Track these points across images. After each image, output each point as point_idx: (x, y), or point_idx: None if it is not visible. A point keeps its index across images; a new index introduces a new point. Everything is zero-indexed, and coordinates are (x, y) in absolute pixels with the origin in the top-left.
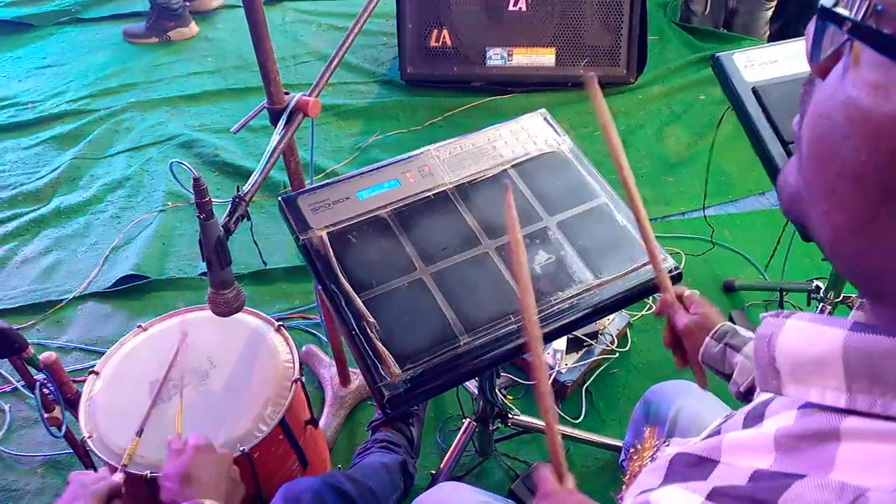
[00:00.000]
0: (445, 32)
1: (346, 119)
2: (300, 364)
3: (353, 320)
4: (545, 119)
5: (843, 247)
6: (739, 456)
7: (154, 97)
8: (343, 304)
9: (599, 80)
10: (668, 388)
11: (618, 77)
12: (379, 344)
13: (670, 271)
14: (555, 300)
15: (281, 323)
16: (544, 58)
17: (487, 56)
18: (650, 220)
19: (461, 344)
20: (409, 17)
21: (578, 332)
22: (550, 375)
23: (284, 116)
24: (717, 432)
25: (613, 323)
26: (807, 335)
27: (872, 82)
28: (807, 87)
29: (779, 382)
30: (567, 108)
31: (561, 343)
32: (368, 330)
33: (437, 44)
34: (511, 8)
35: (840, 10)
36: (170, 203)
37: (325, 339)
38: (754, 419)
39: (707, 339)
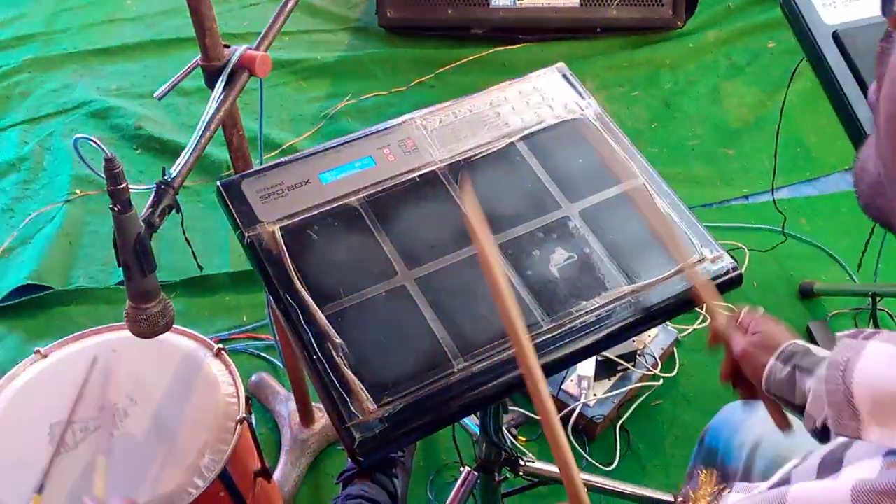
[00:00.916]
0: None
1: (309, 79)
2: (247, 399)
3: (313, 341)
4: (564, 76)
5: None
6: None
7: (58, 52)
8: (300, 321)
9: (640, 23)
10: (735, 417)
11: (662, 20)
12: (347, 371)
13: (725, 273)
14: (577, 312)
15: (222, 346)
16: None
17: None
18: (704, 205)
19: (455, 370)
20: None
21: (610, 354)
22: (575, 409)
23: (223, 76)
24: (785, 481)
25: (656, 341)
26: (894, 361)
27: None
28: (884, 45)
29: (858, 424)
30: (595, 62)
31: (588, 368)
32: (334, 353)
33: None
34: None
35: None
36: (78, 191)
37: (281, 365)
38: (830, 467)
39: (771, 360)
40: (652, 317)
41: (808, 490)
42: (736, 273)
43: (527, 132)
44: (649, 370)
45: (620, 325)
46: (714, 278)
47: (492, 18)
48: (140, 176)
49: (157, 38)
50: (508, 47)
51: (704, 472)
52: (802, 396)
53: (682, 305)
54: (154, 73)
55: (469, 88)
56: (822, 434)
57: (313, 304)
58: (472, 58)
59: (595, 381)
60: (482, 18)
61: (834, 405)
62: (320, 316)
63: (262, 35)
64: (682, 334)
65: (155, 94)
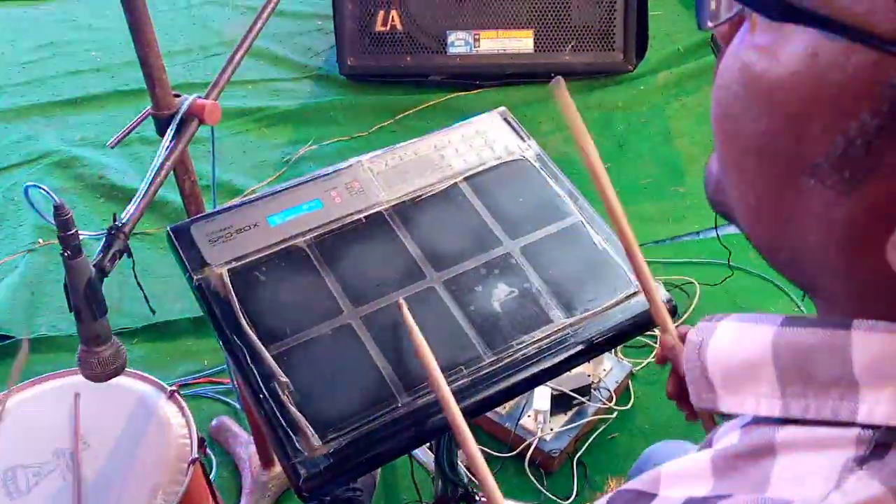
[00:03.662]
0: (395, 14)
1: (271, 126)
2: (202, 440)
3: (259, 381)
4: (506, 120)
5: (761, 234)
6: (677, 485)
7: (21, 103)
8: (247, 361)
9: (592, 68)
10: (668, 451)
11: (613, 64)
12: (293, 409)
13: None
14: (518, 345)
15: (174, 389)
16: (520, 42)
17: (449, 42)
18: (657, 242)
19: (399, 405)
20: None
21: (565, 388)
22: (531, 444)
23: (173, 125)
24: None
25: (611, 374)
26: (737, 336)
27: (763, 45)
28: (719, 63)
29: (714, 396)
30: (550, 106)
31: (544, 402)
32: (280, 392)
33: (384, 28)
34: None
35: None
36: (41, 240)
37: (241, 408)
38: (704, 446)
39: None
40: (591, 348)
41: (678, 465)
42: (670, 305)
43: (469, 173)
44: (605, 403)
45: (561, 356)
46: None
47: (449, 65)
48: (103, 224)
49: (120, 88)
50: (466, 93)
51: (614, 480)
52: None
53: (621, 336)
54: (117, 122)
55: (428, 133)
56: None
57: (260, 344)
58: (431, 103)
59: (551, 415)
60: (440, 65)
61: (693, 381)
62: (266, 355)
63: (211, 84)
64: (637, 367)
65: (108, 144)
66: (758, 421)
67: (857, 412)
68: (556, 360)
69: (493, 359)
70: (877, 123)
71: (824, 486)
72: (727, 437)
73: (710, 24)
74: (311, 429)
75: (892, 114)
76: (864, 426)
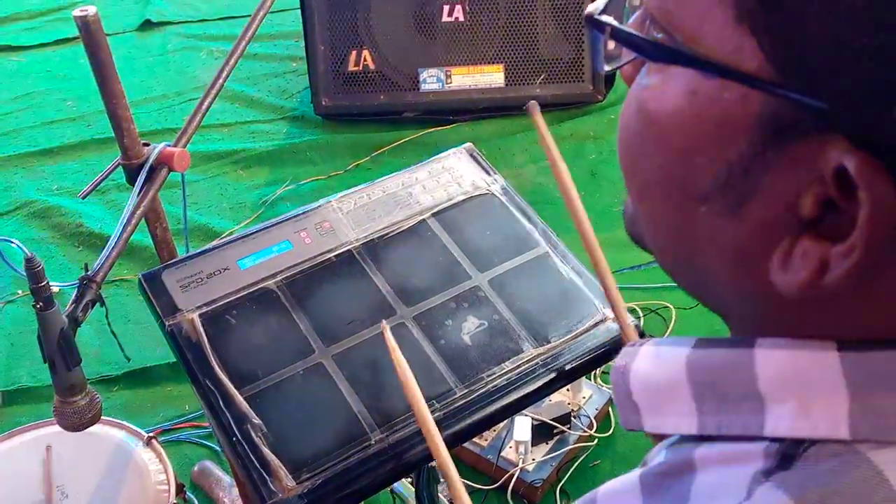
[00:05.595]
0: (366, 53)
1: (248, 168)
2: (180, 486)
3: (232, 424)
4: (472, 155)
5: (669, 261)
6: None
7: None
8: (220, 404)
9: (563, 99)
10: None
11: (583, 95)
12: (266, 451)
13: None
14: (489, 376)
15: (152, 435)
16: (491, 77)
17: (421, 79)
18: (631, 267)
19: (373, 442)
20: (319, 37)
21: (545, 417)
22: (513, 474)
23: (143, 174)
24: None
25: (591, 402)
26: (656, 359)
27: (653, 85)
28: None
29: (639, 417)
30: (523, 138)
31: (524, 432)
32: (253, 434)
33: (357, 68)
34: (445, 18)
35: (605, 17)
36: (20, 291)
37: (222, 451)
38: (641, 466)
39: None
40: (562, 376)
41: (612, 486)
42: (639, 330)
43: (437, 209)
44: (585, 431)
45: (532, 386)
46: (618, 336)
47: (422, 102)
48: (82, 272)
49: (97, 136)
50: (440, 128)
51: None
52: None
53: (591, 363)
54: (94, 170)
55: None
56: None
57: (231, 387)
58: (405, 140)
59: (533, 445)
60: (413, 102)
61: (620, 404)
62: (239, 398)
63: (180, 132)
64: None
65: (79, 195)
66: (681, 439)
67: (763, 426)
68: (528, 389)
69: (464, 391)
70: (751, 151)
71: (735, 498)
72: (658, 456)
73: (606, 66)
74: (284, 469)
75: (763, 142)
76: (770, 439)
